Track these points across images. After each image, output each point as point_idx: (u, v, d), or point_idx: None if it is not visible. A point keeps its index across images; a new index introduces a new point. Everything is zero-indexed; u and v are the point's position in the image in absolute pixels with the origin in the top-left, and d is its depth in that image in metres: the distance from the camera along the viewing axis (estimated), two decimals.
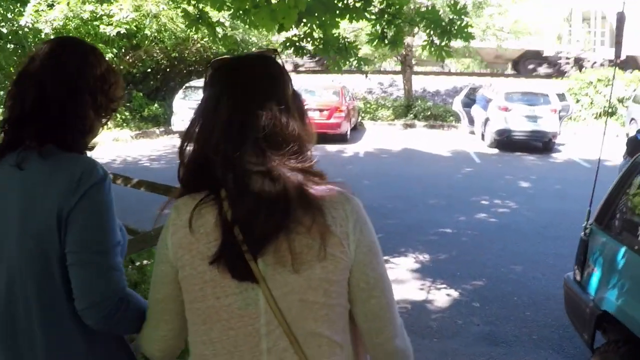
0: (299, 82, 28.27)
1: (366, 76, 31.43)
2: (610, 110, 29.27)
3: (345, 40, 8.42)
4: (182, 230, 1.95)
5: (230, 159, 1.91)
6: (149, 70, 28.93)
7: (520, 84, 28.97)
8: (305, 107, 2.18)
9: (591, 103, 30.01)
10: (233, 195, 1.90)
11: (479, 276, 9.65)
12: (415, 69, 34.49)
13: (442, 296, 8.84)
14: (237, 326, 1.92)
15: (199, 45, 28.72)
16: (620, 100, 29.56)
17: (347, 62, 8.62)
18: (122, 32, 23.58)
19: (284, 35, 8.36)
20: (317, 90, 25.85)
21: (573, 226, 12.68)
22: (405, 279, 9.45)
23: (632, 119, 26.09)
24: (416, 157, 21.65)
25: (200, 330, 1.98)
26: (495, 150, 23.19)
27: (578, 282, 6.25)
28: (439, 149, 22.89)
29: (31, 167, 2.20)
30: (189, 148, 2.03)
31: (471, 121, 25.91)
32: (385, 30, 7.98)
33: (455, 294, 8.93)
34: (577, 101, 29.00)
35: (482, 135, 24.51)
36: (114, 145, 22.41)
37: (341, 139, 23.75)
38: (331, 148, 22.02)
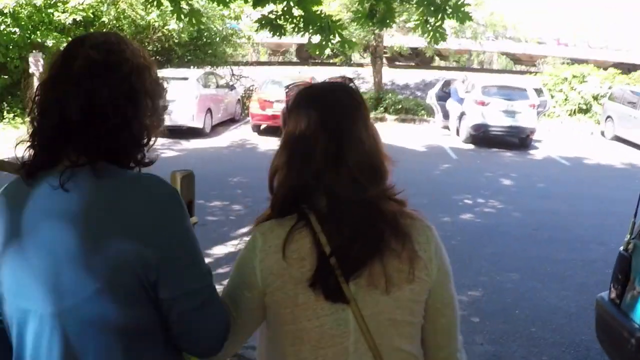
0: (265, 74, 27.31)
1: (342, 62, 30.70)
2: (585, 107, 28.83)
3: (329, 18, 7.48)
4: (274, 257, 2.01)
5: (331, 187, 2.01)
6: None
7: (492, 79, 28.02)
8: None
9: (565, 99, 29.49)
10: (331, 222, 1.98)
11: (474, 286, 8.68)
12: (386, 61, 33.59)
13: None
14: (327, 345, 2.01)
15: (160, 34, 27.46)
16: (595, 98, 29.18)
17: (330, 44, 7.70)
18: (78, 19, 22.47)
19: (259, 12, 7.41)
20: (284, 81, 24.47)
21: (565, 228, 12.01)
22: None
23: (608, 116, 25.74)
24: (390, 152, 20.23)
25: (289, 352, 2.06)
26: (471, 146, 22.33)
27: (617, 305, 5.24)
28: (412, 144, 21.80)
29: (82, 189, 1.83)
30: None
31: (446, 115, 25.00)
32: (374, 7, 7.12)
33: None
34: (552, 97, 28.29)
35: (457, 130, 23.68)
36: None
37: None
38: None
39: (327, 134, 2.02)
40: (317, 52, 7.78)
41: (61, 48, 2.07)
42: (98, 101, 1.83)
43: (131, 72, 1.91)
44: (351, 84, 2.22)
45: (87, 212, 1.80)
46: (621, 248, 5.42)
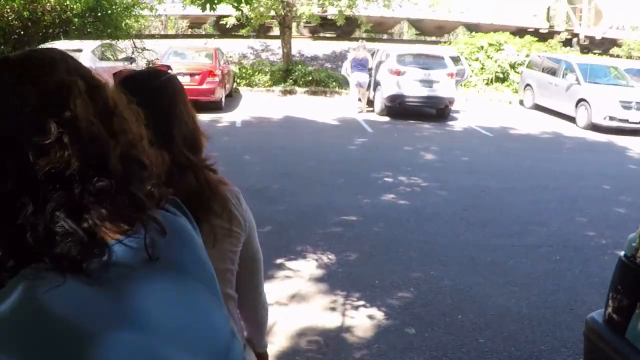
0: (168, 44, 25.61)
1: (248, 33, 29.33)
2: (502, 76, 27.93)
3: None
4: None
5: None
6: (0, 33, 25.03)
7: (405, 48, 26.64)
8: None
9: (482, 68, 28.38)
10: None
11: (404, 285, 7.23)
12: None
13: (362, 319, 6.34)
14: None
15: (54, 3, 25.10)
16: (512, 66, 28.29)
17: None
18: None
19: None
20: (187, 53, 23.25)
21: (498, 208, 10.65)
22: (308, 294, 6.90)
23: (527, 84, 24.92)
24: (300, 126, 19.02)
25: None
26: (387, 119, 20.90)
27: (618, 331, 3.78)
28: (324, 117, 20.30)
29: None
30: None
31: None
32: None
33: (379, 314, 6.44)
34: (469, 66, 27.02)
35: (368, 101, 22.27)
36: None
37: (215, 106, 20.72)
38: (204, 117, 18.94)
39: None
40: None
41: None
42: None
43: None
44: (170, 71, 2.54)
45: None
46: (622, 253, 3.91)
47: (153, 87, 2.33)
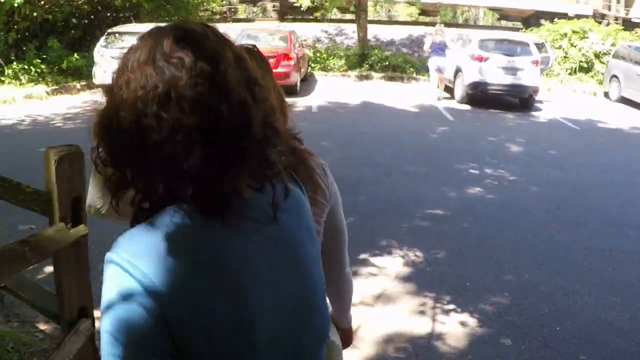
0: (241, 28, 25.28)
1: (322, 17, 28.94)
2: (586, 65, 26.78)
3: None
4: None
5: None
6: (71, 18, 25.05)
7: (488, 33, 25.75)
8: None
9: (565, 57, 27.13)
10: None
11: (497, 288, 6.70)
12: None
13: (454, 325, 5.84)
14: None
15: None
16: (597, 55, 26.94)
17: None
18: None
19: None
20: (261, 36, 22.84)
21: (591, 207, 9.96)
22: (395, 294, 6.43)
23: (613, 75, 23.50)
24: (379, 112, 18.46)
25: None
26: (467, 107, 20.17)
27: None
28: (403, 104, 19.69)
29: (286, 213, 1.65)
30: None
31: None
32: None
33: (472, 321, 5.93)
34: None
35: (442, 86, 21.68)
36: (26, 103, 18.38)
37: (290, 91, 20.12)
38: None
39: None
40: None
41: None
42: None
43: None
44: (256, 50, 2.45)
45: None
46: None
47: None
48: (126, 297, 1.37)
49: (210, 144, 1.41)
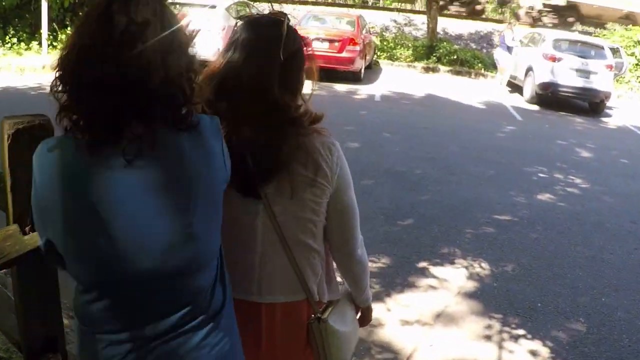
0: (308, 8, 24.67)
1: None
2: None
3: None
4: None
5: None
6: None
7: (563, 34, 24.79)
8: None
9: (637, 64, 25.87)
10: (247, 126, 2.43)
11: (572, 312, 5.99)
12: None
13: (523, 355, 5.16)
14: (239, 230, 2.45)
15: None
16: None
17: None
18: None
19: None
20: (327, 18, 22.01)
21: None
22: (457, 314, 5.74)
23: None
24: (444, 106, 17.68)
25: None
26: (536, 107, 19.29)
27: None
28: (469, 99, 18.90)
29: (159, 157, 1.94)
30: None
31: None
32: None
33: (544, 351, 5.25)
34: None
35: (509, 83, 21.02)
36: None
37: (354, 77, 19.65)
38: (341, 87, 18.10)
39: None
40: None
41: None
42: (175, 72, 1.93)
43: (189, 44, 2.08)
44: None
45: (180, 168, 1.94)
46: None
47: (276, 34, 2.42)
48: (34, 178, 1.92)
49: (112, 91, 1.79)
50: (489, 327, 5.52)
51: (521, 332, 5.47)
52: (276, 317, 2.53)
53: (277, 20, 2.49)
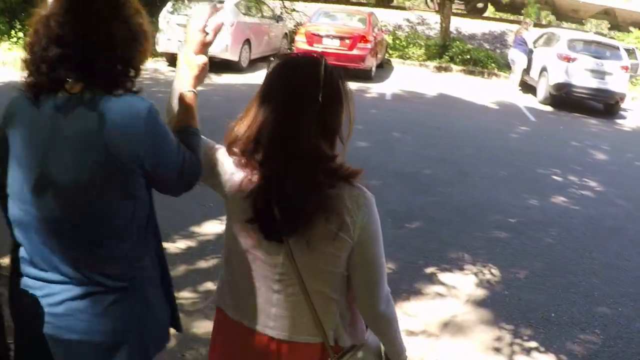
0: (320, 5, 24.45)
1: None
2: None
3: None
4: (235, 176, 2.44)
5: None
6: None
7: (578, 34, 24.50)
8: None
9: None
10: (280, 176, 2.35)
11: (587, 323, 5.70)
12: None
13: None
14: (256, 267, 2.47)
15: None
16: None
17: None
18: None
19: None
20: (338, 15, 21.82)
21: None
22: (466, 323, 5.46)
23: None
24: (456, 107, 17.37)
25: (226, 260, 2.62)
26: (550, 108, 18.99)
27: None
28: (482, 99, 18.60)
29: (83, 112, 2.20)
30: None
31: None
32: None
33: None
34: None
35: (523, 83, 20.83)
36: None
37: (364, 76, 19.38)
38: (351, 85, 17.33)
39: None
40: None
41: None
42: (109, 39, 2.19)
43: (131, 15, 2.29)
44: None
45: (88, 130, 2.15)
46: None
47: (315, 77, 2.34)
48: None
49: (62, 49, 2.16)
50: (499, 338, 5.24)
51: (534, 344, 5.18)
52: (287, 354, 2.49)
53: (315, 60, 2.38)
